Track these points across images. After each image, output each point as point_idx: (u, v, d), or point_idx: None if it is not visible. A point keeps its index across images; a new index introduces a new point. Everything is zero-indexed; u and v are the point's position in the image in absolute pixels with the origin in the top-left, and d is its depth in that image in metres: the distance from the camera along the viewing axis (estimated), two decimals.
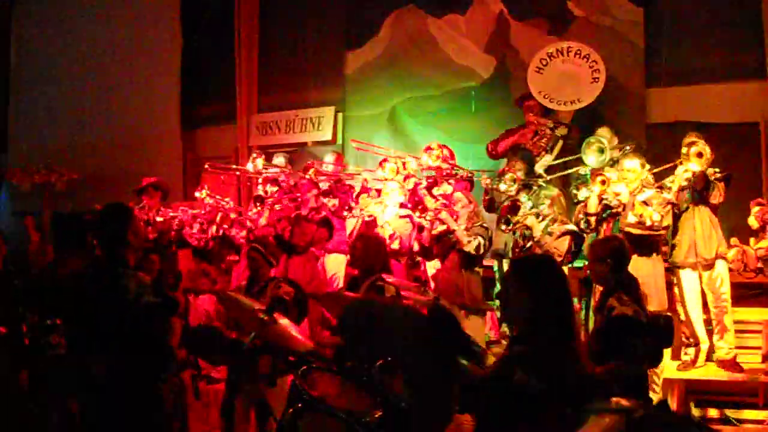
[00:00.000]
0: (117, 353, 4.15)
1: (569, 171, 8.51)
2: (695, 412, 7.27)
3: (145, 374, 4.28)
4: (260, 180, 9.79)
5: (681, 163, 7.17)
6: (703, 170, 7.02)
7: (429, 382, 3.62)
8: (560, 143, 8.95)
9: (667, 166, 7.43)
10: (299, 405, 3.48)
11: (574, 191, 7.91)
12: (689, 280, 7.32)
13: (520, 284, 3.53)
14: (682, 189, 7.21)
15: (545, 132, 8.99)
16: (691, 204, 7.25)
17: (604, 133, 8.12)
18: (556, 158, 8.87)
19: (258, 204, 9.14)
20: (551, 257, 5.12)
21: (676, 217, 7.31)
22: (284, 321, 4.37)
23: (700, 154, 6.97)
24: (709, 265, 7.25)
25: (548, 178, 8.33)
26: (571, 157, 8.52)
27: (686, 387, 7.11)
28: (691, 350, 7.39)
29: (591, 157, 7.77)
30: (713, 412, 7.40)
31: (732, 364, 7.17)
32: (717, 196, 7.16)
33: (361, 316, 4.17)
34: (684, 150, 7.08)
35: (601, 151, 7.69)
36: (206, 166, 10.30)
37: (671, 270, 7.44)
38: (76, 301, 4.43)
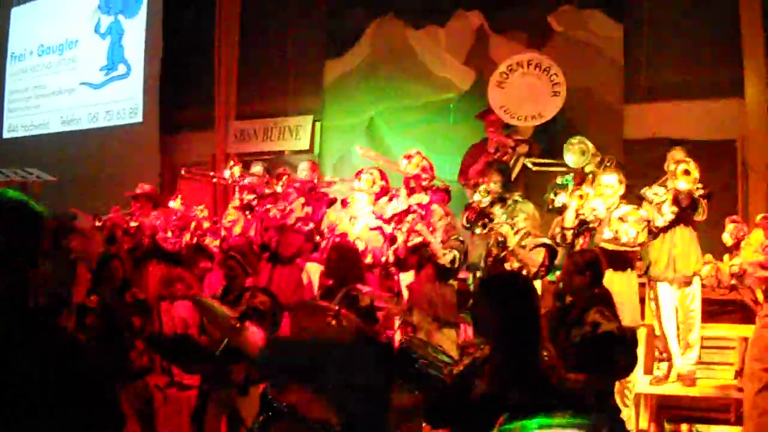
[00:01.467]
0: None
1: (553, 168, 8.30)
2: (667, 427, 7.29)
3: None
4: (237, 188, 9.66)
5: (667, 180, 7.06)
6: (690, 189, 6.95)
7: (362, 405, 3.63)
8: (521, 161, 8.85)
9: (657, 183, 7.30)
10: (270, 413, 3.47)
11: (551, 196, 7.78)
12: (666, 295, 7.29)
13: (489, 303, 3.57)
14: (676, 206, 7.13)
15: (506, 150, 8.93)
16: (673, 222, 7.17)
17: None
18: (517, 175, 8.78)
19: (246, 212, 8.99)
20: (519, 274, 5.12)
21: (654, 234, 7.28)
22: (255, 330, 4.35)
23: (687, 172, 6.85)
24: (687, 282, 7.23)
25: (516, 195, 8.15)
26: (554, 161, 8.34)
27: (658, 402, 7.13)
28: (664, 365, 7.38)
29: (571, 157, 7.68)
30: (684, 428, 7.42)
31: (688, 379, 7.12)
32: (701, 213, 7.12)
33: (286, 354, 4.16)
34: (672, 167, 6.95)
35: (583, 153, 7.60)
36: (182, 171, 10.20)
37: (647, 284, 7.42)
38: None
